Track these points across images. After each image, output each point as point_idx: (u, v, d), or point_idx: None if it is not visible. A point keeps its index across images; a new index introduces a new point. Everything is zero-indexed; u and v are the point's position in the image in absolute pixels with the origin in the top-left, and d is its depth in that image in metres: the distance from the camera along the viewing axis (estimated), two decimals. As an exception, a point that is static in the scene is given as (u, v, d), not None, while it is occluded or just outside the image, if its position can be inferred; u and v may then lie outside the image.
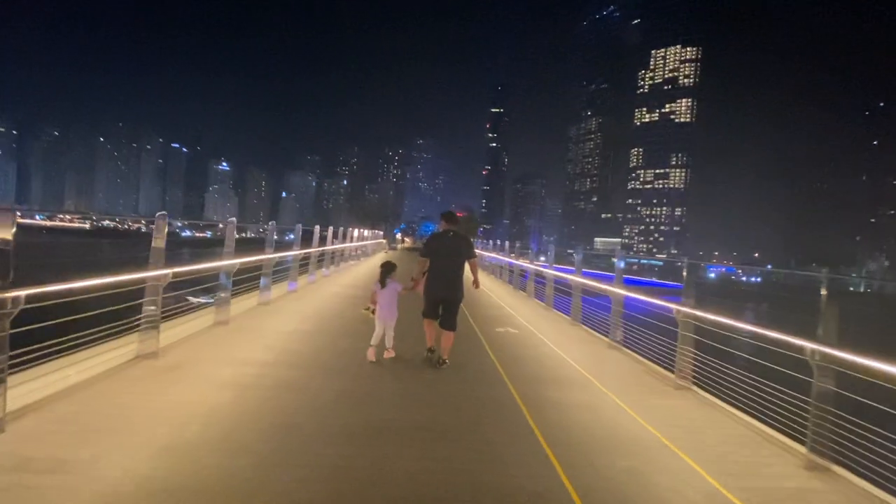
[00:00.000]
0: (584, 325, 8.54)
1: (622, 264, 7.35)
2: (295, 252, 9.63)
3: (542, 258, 13.85)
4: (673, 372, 5.20)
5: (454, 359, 5.31)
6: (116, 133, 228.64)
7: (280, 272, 9.43)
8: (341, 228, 15.75)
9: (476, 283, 5.53)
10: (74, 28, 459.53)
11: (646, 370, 5.83)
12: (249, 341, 5.67)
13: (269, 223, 8.49)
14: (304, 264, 11.32)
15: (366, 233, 24.37)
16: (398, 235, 68.56)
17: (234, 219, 6.86)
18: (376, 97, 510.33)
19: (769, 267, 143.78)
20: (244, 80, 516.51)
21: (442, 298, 5.23)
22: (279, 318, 7.16)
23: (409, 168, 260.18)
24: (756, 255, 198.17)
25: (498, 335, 7.33)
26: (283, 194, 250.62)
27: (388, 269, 5.38)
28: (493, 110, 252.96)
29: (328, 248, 13.58)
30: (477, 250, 24.47)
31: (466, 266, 5.38)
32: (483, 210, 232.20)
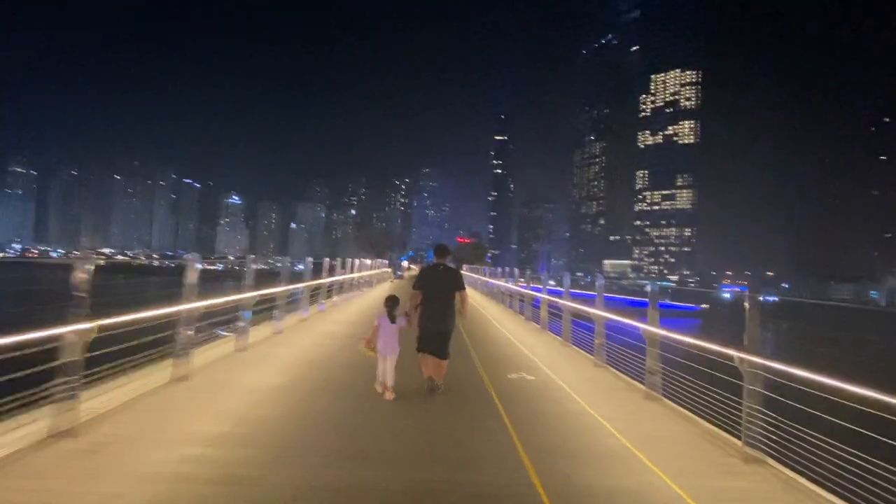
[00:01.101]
0: (610, 366, 7.31)
1: (653, 287, 6.12)
2: (280, 289, 8.60)
3: (552, 282, 12.66)
4: (738, 437, 4.05)
5: (460, 423, 4.58)
6: (131, 170, 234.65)
7: (262, 310, 8.47)
8: (339, 259, 14.75)
9: (462, 313, 5.64)
10: (89, 70, 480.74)
11: (700, 432, 4.57)
12: (203, 404, 4.64)
13: (249, 261, 7.55)
14: (293, 300, 10.39)
15: (368, 262, 23.38)
16: (404, 263, 67.58)
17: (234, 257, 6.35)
18: (383, 128, 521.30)
19: (786, 286, 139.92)
20: (254, 115, 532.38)
21: (436, 331, 5.35)
22: (253, 368, 6.16)
23: (415, 196, 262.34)
24: (770, 273, 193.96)
25: (510, 384, 6.16)
26: (293, 225, 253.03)
27: (393, 303, 5.42)
28: (498, 138, 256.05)
29: (321, 281, 12.53)
30: (486, 278, 23.57)
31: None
32: (490, 236, 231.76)
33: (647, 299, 5.94)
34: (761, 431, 3.84)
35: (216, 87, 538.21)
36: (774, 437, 3.81)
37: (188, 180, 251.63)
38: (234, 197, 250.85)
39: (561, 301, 9.76)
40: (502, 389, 5.78)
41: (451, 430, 4.32)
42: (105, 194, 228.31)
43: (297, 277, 10.50)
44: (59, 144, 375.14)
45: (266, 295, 7.77)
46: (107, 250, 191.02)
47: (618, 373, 6.99)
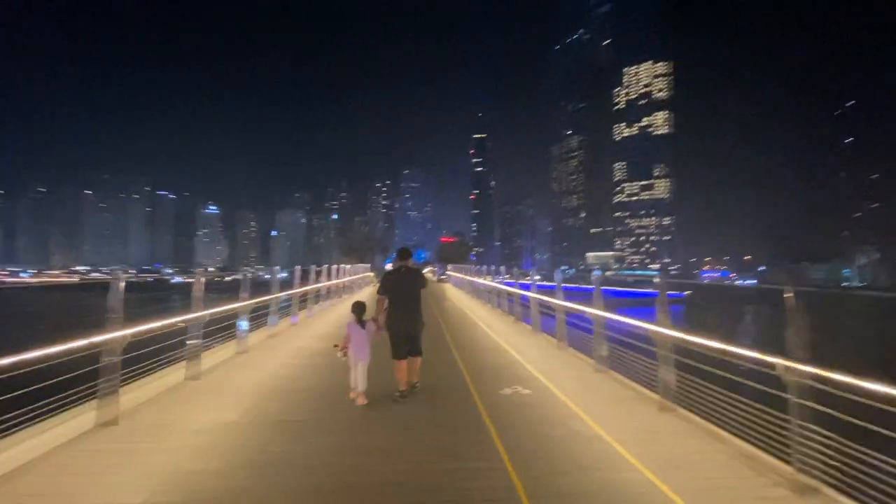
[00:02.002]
0: (613, 370, 6.51)
1: (663, 279, 5.32)
2: (241, 304, 7.64)
3: (538, 277, 11.62)
4: (789, 463, 3.34)
5: (448, 459, 3.77)
6: (103, 184, 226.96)
7: (226, 326, 7.58)
8: (312, 267, 13.71)
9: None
10: (55, 82, 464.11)
11: (732, 453, 3.78)
12: (125, 458, 3.68)
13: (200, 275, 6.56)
14: (261, 314, 9.43)
15: (347, 267, 22.29)
16: (388, 266, 66.43)
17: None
18: (362, 131, 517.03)
19: (762, 269, 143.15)
20: (229, 123, 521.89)
21: (405, 332, 5.42)
22: (201, 402, 5.16)
23: (397, 198, 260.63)
24: (748, 257, 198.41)
25: (504, 402, 5.32)
26: (274, 233, 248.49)
27: (360, 309, 5.43)
28: (476, 136, 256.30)
29: (292, 291, 11.50)
30: (471, 277, 22.63)
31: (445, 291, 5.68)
32: (474, 233, 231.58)
33: (630, 289, 5.20)
34: (816, 455, 3.13)
35: (189, 96, 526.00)
36: (827, 460, 3.11)
37: (163, 192, 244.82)
38: (211, 207, 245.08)
39: (554, 300, 8.75)
40: (495, 409, 5.00)
41: (439, 474, 3.51)
42: (76, 210, 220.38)
43: (265, 289, 9.52)
44: (26, 161, 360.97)
45: (222, 312, 6.81)
46: (80, 268, 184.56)
47: (623, 379, 6.19)
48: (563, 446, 4.03)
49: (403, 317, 5.41)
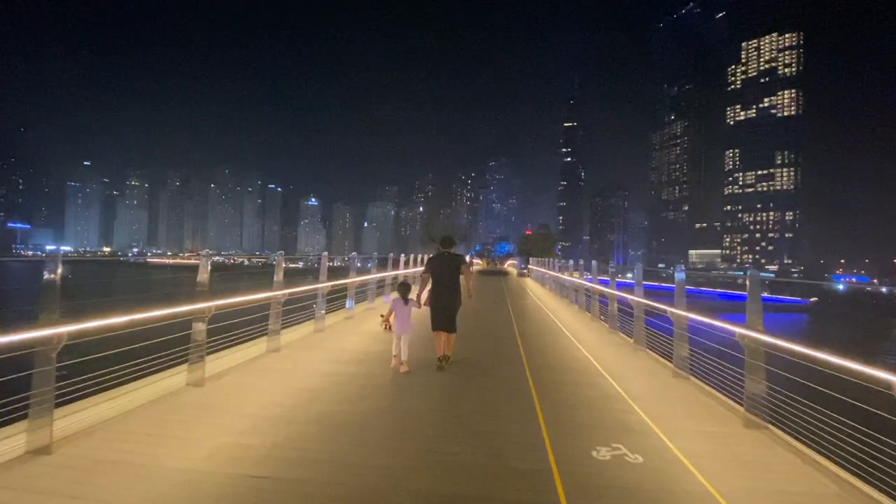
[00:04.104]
0: (774, 424, 4.10)
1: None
2: (268, 295, 6.34)
3: (630, 275, 9.68)
4: None
5: None
6: (224, 179, 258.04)
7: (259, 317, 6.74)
8: (390, 255, 13.64)
9: (469, 291, 6.39)
10: (189, 94, 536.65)
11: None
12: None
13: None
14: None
15: (422, 257, 21.95)
16: (469, 258, 66.20)
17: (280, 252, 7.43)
18: (450, 123, 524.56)
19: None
20: (327, 121, 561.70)
21: (443, 307, 6.05)
22: (193, 426, 3.80)
23: (482, 190, 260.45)
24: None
25: (598, 479, 3.15)
26: (365, 224, 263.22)
27: (405, 288, 6.26)
28: (567, 125, 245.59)
29: (346, 281, 9.80)
30: (555, 273, 20.52)
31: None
32: (560, 227, 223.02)
33: (741, 293, 3.94)
34: None
35: (295, 97, 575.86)
36: None
37: (272, 185, 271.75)
38: (311, 199, 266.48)
39: (673, 309, 6.03)
40: (585, 494, 2.95)
41: None
42: (203, 201, 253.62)
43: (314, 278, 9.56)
44: (166, 158, 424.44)
45: (254, 301, 6.15)
46: (205, 251, 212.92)
47: (797, 445, 3.78)
48: None
49: (443, 296, 6.06)
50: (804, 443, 3.69)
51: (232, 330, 5.98)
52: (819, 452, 3.49)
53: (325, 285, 8.21)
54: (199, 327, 4.80)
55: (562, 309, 13.80)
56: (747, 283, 4.36)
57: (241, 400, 4.49)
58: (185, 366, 4.85)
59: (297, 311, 7.99)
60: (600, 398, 5.04)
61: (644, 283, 8.18)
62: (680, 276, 5.99)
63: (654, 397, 5.13)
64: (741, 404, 4.53)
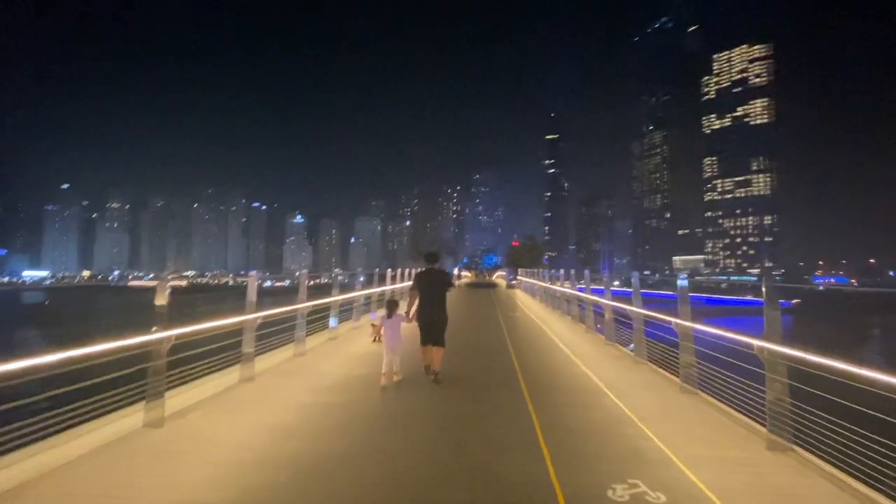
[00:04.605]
0: (799, 444, 3.76)
1: None
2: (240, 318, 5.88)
3: (617, 283, 9.41)
4: None
5: None
6: (207, 198, 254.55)
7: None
8: (377, 270, 13.15)
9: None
10: (170, 113, 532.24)
11: None
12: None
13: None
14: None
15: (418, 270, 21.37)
16: (456, 271, 65.51)
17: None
18: (433, 138, 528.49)
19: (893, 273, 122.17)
20: (312, 136, 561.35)
21: (431, 322, 6.16)
22: (158, 472, 3.35)
23: (468, 203, 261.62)
24: (872, 260, 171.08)
25: None
26: (352, 240, 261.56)
27: (392, 305, 6.31)
28: (549, 137, 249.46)
29: (323, 301, 8.91)
30: (546, 283, 20.29)
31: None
32: (546, 237, 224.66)
33: (726, 297, 3.77)
34: None
35: (279, 114, 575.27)
36: None
37: (256, 203, 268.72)
38: (297, 217, 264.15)
39: (678, 320, 5.54)
40: None
41: None
42: (186, 222, 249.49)
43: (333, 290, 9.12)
44: (147, 179, 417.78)
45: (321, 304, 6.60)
46: (189, 273, 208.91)
47: (834, 473, 3.37)
48: None
49: (429, 310, 6.18)
50: (837, 466, 3.33)
51: (205, 357, 5.43)
52: (859, 479, 3.13)
53: (304, 305, 7.67)
54: (158, 360, 4.20)
55: (554, 320, 13.44)
56: (763, 289, 4.01)
57: (204, 443, 3.89)
58: (142, 403, 4.19)
59: (276, 333, 7.44)
60: (607, 421, 4.53)
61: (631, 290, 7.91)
62: (682, 282, 5.62)
63: (665, 418, 4.67)
64: (758, 421, 4.19)
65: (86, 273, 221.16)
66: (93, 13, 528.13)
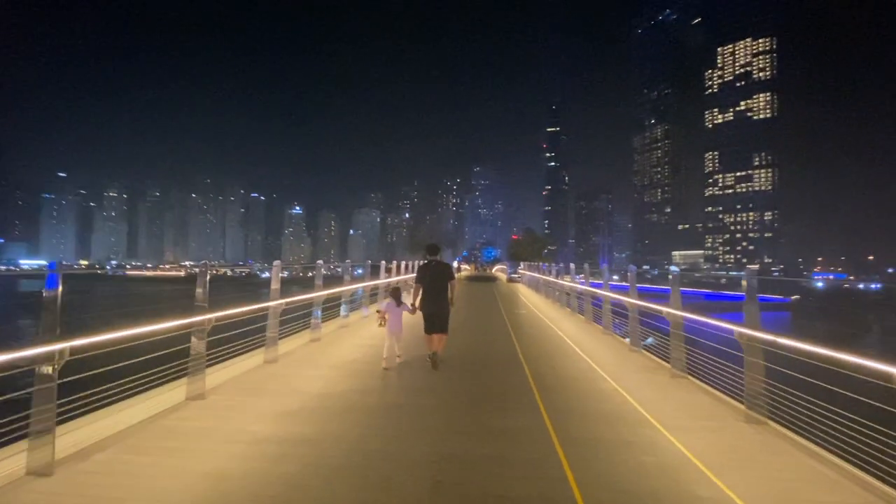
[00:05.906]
0: (772, 420, 4.03)
1: None
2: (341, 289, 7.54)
3: (616, 277, 9.33)
4: None
5: None
6: (205, 188, 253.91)
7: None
8: (368, 262, 13.49)
9: (451, 300, 6.64)
10: (169, 102, 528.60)
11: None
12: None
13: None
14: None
15: (400, 265, 20.56)
16: (455, 264, 65.52)
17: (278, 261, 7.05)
18: (434, 130, 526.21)
19: (892, 270, 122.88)
20: (311, 127, 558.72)
21: (435, 312, 6.50)
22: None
23: (467, 196, 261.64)
24: (871, 257, 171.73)
25: None
26: (351, 232, 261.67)
27: (396, 293, 6.69)
28: (550, 130, 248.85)
29: (313, 295, 8.37)
30: (549, 277, 19.96)
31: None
32: (546, 231, 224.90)
33: (725, 293, 4.07)
34: None
35: (278, 105, 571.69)
36: None
37: (255, 194, 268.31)
38: (296, 207, 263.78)
39: (668, 310, 5.64)
40: None
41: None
42: (184, 211, 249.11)
43: (338, 282, 9.55)
44: (145, 168, 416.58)
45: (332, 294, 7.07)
46: (187, 263, 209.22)
47: (798, 439, 3.74)
48: None
49: (433, 301, 6.49)
50: (804, 436, 3.77)
51: (229, 342, 5.80)
52: (822, 446, 3.57)
53: (320, 294, 8.02)
54: (198, 341, 4.68)
55: (564, 320, 12.07)
56: (744, 283, 4.47)
57: (237, 415, 4.27)
58: (184, 379, 4.64)
59: (287, 322, 7.59)
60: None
61: (636, 285, 8.19)
62: (674, 269, 6.10)
63: (656, 398, 5.00)
64: (739, 401, 4.61)
65: (83, 262, 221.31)
66: (92, 3, 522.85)
